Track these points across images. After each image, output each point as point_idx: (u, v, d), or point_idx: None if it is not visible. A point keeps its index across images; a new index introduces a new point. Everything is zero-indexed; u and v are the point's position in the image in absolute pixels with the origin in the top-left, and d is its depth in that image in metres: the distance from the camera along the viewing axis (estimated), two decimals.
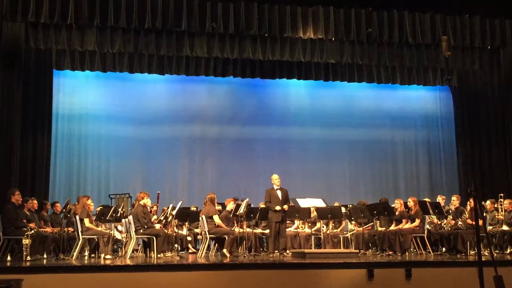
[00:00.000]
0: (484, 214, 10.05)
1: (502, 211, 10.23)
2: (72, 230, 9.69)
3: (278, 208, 9.64)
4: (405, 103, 14.89)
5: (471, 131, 14.11)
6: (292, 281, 7.36)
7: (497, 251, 9.84)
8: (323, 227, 10.76)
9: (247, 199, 9.97)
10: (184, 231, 10.96)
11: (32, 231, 9.00)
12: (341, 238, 10.68)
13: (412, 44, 12.27)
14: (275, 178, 9.95)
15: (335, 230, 10.92)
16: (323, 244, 10.46)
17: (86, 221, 9.19)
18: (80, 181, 13.10)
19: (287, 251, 9.88)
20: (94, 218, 9.64)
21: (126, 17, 10.79)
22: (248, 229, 10.11)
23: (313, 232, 10.88)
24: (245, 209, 9.61)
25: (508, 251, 9.83)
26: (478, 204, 5.28)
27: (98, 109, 13.46)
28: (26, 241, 8.54)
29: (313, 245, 10.67)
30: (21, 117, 11.63)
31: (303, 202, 10.57)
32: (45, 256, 9.13)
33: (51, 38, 11.06)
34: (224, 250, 9.51)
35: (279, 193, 9.81)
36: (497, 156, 13.77)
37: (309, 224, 11.17)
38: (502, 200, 10.33)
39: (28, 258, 8.48)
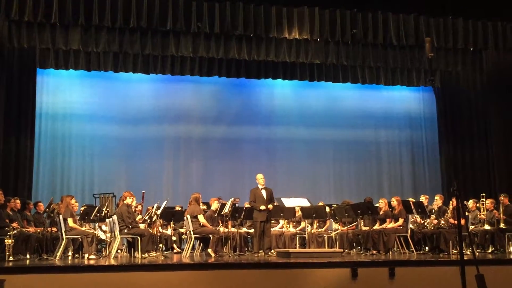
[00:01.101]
0: (466, 214, 10.16)
1: (484, 210, 10.37)
2: (56, 230, 9.62)
3: (262, 207, 9.66)
4: (389, 103, 15.02)
5: (454, 132, 14.29)
6: (277, 281, 7.38)
7: (479, 250, 9.97)
8: (307, 226, 10.80)
9: (233, 198, 10.00)
10: (169, 231, 10.95)
11: (15, 231, 8.93)
12: (326, 237, 10.74)
13: (396, 45, 12.39)
14: (260, 178, 9.97)
15: (319, 230, 10.98)
16: (308, 244, 10.50)
17: (70, 220, 9.11)
18: (63, 181, 13.00)
19: (272, 251, 9.91)
20: (78, 218, 9.57)
21: (111, 16, 10.74)
22: (233, 229, 10.12)
23: (298, 231, 10.93)
24: (230, 208, 9.63)
25: (490, 250, 9.97)
26: (460, 204, 5.34)
27: (82, 108, 13.36)
28: (8, 241, 8.46)
29: (297, 245, 10.71)
30: (4, 116, 11.54)
31: (288, 202, 10.62)
32: (28, 256, 9.06)
33: (34, 36, 10.97)
34: (209, 250, 9.51)
35: (263, 192, 9.83)
36: (479, 156, 13.97)
37: (294, 224, 11.22)
38: (484, 199, 10.46)
39: (11, 258, 8.40)
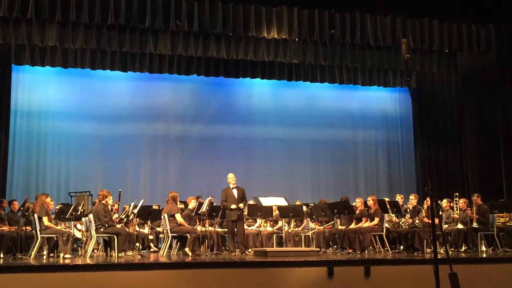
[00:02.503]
0: (440, 213, 10.32)
1: (457, 210, 10.55)
2: (30, 228, 9.50)
3: (233, 206, 9.68)
4: (366, 103, 15.17)
5: (428, 132, 14.51)
6: (254, 280, 7.41)
7: (452, 249, 10.14)
8: (285, 225, 10.85)
9: (210, 197, 9.99)
10: (146, 230, 10.89)
11: None
12: (303, 236, 10.81)
13: (373, 46, 12.51)
14: (231, 177, 9.99)
15: (296, 229, 11.04)
16: (285, 243, 10.55)
17: (45, 219, 9.00)
18: (39, 179, 12.84)
19: (249, 250, 9.94)
20: (53, 217, 9.47)
21: (89, 13, 10.61)
22: (210, 228, 10.12)
23: (275, 230, 10.98)
24: (207, 207, 9.62)
25: (463, 249, 10.15)
26: (434, 203, 5.43)
27: (58, 105, 13.21)
28: None
29: (275, 244, 10.76)
30: None
31: (265, 201, 10.63)
32: (1, 255, 8.93)
33: (10, 32, 10.78)
34: (186, 249, 9.49)
35: (235, 191, 9.84)
36: (453, 156, 14.22)
37: (271, 223, 11.26)
38: (457, 199, 10.64)
39: None
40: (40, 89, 13.17)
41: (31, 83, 13.10)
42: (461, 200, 10.56)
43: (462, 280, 5.08)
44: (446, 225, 10.41)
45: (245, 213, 10.45)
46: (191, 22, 11.16)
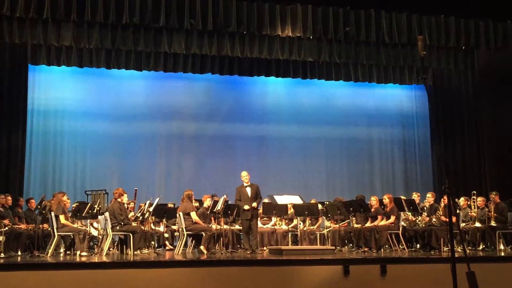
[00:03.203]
0: (458, 211, 10.22)
1: (475, 208, 10.43)
2: (47, 226, 9.59)
3: (246, 207, 9.63)
4: (381, 101, 15.06)
5: (445, 129, 14.37)
6: (269, 278, 7.40)
7: (470, 247, 10.04)
8: (300, 224, 10.83)
9: (225, 195, 9.99)
10: (161, 228, 10.93)
11: (6, 228, 8.90)
12: (318, 234, 10.77)
13: (389, 44, 12.41)
14: (244, 175, 9.91)
15: (311, 227, 11.00)
16: (300, 241, 10.53)
17: (62, 217, 9.09)
18: (55, 177, 12.95)
19: (264, 248, 9.91)
20: (69, 215, 9.54)
21: (104, 12, 10.67)
22: (225, 226, 10.12)
23: (290, 228, 10.95)
24: (222, 206, 9.63)
25: (481, 247, 10.04)
26: (451, 201, 5.38)
27: (74, 105, 13.31)
28: (0, 238, 8.43)
29: (290, 242, 10.73)
30: None
31: (280, 199, 10.62)
32: (19, 253, 9.02)
33: (26, 32, 10.88)
34: (201, 247, 9.51)
35: (248, 190, 9.78)
36: (470, 154, 14.07)
37: (286, 221, 11.23)
38: (475, 197, 10.52)
39: (2, 255, 8.38)
40: (56, 88, 13.28)
41: (47, 82, 13.21)
42: (479, 198, 10.44)
43: (479, 279, 5.03)
44: (464, 224, 10.31)
45: (260, 211, 10.42)
46: (205, 21, 11.17)
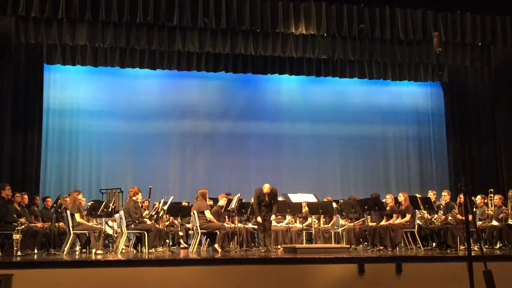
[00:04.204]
0: (474, 209, 10.12)
1: (492, 206, 10.31)
2: (63, 225, 9.66)
3: (259, 219, 9.59)
4: (397, 98, 14.95)
5: (461, 127, 14.22)
6: (284, 276, 7.39)
7: (486, 246, 9.93)
8: (314, 222, 10.79)
9: (239, 194, 9.98)
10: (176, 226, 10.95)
11: (23, 226, 8.98)
12: (332, 233, 10.72)
13: (404, 40, 12.32)
14: (266, 187, 9.68)
15: (326, 225, 10.96)
16: (314, 239, 10.50)
17: (77, 216, 9.15)
18: (71, 176, 13.05)
19: (279, 246, 9.88)
20: (85, 213, 9.61)
21: (118, 12, 10.75)
22: (239, 224, 10.12)
23: (305, 227, 10.92)
24: (236, 204, 9.62)
25: (498, 246, 9.92)
26: (468, 199, 5.32)
27: (89, 104, 13.40)
28: (16, 236, 8.52)
29: (304, 240, 10.70)
30: (12, 112, 11.60)
31: (295, 197, 10.61)
32: (35, 251, 9.09)
33: (41, 32, 10.99)
34: (216, 245, 9.52)
35: (266, 197, 9.68)
36: (487, 151, 13.91)
37: (301, 219, 11.21)
38: (492, 195, 10.41)
39: (19, 253, 8.45)
40: (71, 87, 13.38)
41: (62, 82, 13.31)
42: (496, 196, 10.33)
43: (497, 277, 4.96)
44: (480, 222, 10.19)
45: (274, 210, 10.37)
46: (219, 19, 11.18)
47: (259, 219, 9.61)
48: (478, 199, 10.56)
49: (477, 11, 12.16)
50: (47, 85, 12.94)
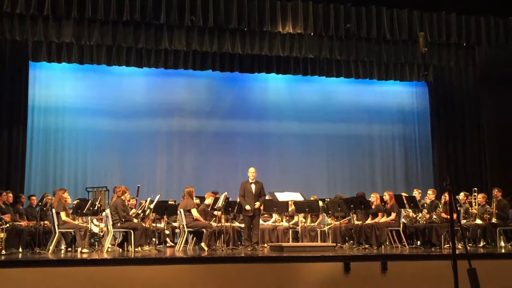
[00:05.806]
0: (458, 208, 10.23)
1: (475, 205, 10.43)
2: (48, 223, 9.59)
3: (248, 207, 9.56)
4: (382, 98, 15.03)
5: (446, 126, 14.35)
6: (270, 274, 7.41)
7: (470, 244, 10.04)
8: (301, 220, 10.83)
9: (225, 193, 9.98)
10: (162, 225, 10.93)
11: (7, 225, 8.91)
12: (319, 231, 10.77)
13: (390, 40, 12.38)
14: (251, 172, 9.80)
15: (312, 224, 11.01)
16: (301, 238, 10.54)
17: (63, 214, 9.10)
18: (56, 174, 12.95)
19: (265, 244, 9.90)
20: (70, 212, 9.55)
21: (104, 9, 10.65)
22: (226, 223, 10.13)
23: (291, 225, 10.96)
24: (223, 202, 9.62)
25: (482, 244, 10.04)
26: (452, 198, 5.37)
27: (75, 102, 13.29)
28: (1, 235, 8.46)
29: (290, 239, 10.74)
30: None
31: (281, 196, 10.63)
32: (20, 250, 9.03)
33: (27, 29, 10.86)
34: (202, 244, 9.52)
35: (253, 187, 9.72)
36: (471, 150, 14.05)
37: (287, 218, 11.24)
38: (476, 194, 10.52)
39: (3, 252, 8.39)
40: (57, 85, 13.26)
41: (48, 79, 13.20)
42: (480, 195, 10.45)
43: (480, 275, 5.03)
44: (464, 220, 10.31)
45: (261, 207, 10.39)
46: (206, 18, 11.14)
47: (247, 207, 9.56)
48: (461, 196, 10.68)
49: (462, 12, 12.27)
50: (32, 82, 12.82)
